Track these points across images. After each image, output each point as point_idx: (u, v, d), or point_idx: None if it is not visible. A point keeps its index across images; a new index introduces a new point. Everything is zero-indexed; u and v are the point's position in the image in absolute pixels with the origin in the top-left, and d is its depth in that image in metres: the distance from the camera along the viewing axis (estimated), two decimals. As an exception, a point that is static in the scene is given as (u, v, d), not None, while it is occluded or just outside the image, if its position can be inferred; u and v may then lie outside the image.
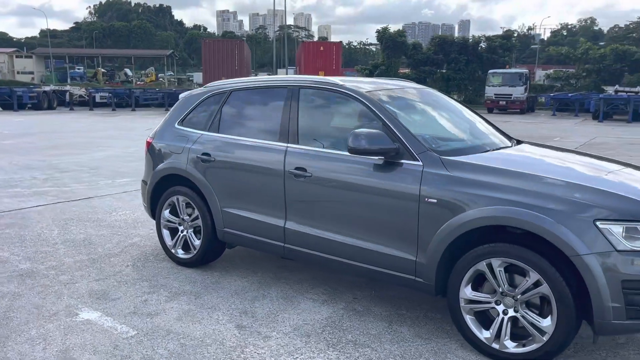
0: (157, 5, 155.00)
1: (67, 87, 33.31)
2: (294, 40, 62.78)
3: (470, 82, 37.88)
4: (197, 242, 4.75)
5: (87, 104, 30.81)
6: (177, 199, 4.83)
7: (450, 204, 3.32)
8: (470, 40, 39.30)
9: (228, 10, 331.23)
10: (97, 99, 31.21)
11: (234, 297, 4.22)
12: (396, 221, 3.56)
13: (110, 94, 31.28)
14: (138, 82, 58.29)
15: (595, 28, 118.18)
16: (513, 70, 32.90)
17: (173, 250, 4.95)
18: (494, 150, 3.94)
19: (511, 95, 30.91)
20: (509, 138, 4.43)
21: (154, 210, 5.10)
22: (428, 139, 3.75)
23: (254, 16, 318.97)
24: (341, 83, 4.07)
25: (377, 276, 3.73)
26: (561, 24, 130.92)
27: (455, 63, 37.86)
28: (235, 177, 4.41)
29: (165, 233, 5.01)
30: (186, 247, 4.88)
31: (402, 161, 3.58)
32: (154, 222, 6.21)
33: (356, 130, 3.62)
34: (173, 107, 5.21)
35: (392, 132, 3.65)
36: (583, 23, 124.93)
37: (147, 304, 4.07)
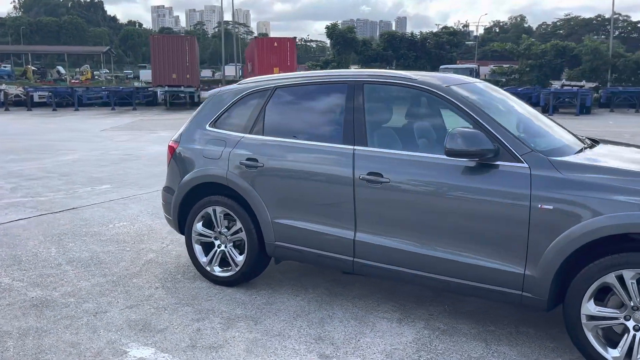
0: (88, 0, 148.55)
1: (3, 86, 31.02)
2: (235, 37, 61.74)
3: (420, 78, 38.10)
4: (240, 258, 4.22)
5: (24, 103, 28.80)
6: (214, 210, 4.28)
7: (569, 210, 2.99)
8: (419, 37, 39.72)
9: (163, 6, 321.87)
10: (36, 99, 29.21)
11: (297, 319, 3.74)
12: (499, 231, 3.20)
13: (50, 93, 29.36)
14: (72, 81, 55.37)
15: (525, 25, 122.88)
16: (464, 65, 33.51)
17: (208, 268, 4.40)
18: (584, 149, 3.65)
19: (462, 90, 31.30)
20: (579, 137, 4.16)
21: (182, 223, 4.52)
22: (525, 138, 3.41)
23: (190, 12, 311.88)
24: (414, 77, 3.66)
25: (471, 292, 3.36)
26: (493, 22, 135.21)
27: (405, 59, 38.18)
28: (291, 185, 3.92)
29: (198, 249, 4.44)
30: (224, 263, 4.34)
31: (499, 163, 3.22)
32: (163, 234, 5.66)
33: (453, 130, 3.23)
34: (200, 107, 4.65)
35: (488, 131, 3.28)
36: (514, 20, 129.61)
37: (202, 334, 3.53)
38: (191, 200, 4.42)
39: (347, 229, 3.70)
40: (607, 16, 72.51)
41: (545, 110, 26.78)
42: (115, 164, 10.21)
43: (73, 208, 6.90)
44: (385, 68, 38.79)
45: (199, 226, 4.40)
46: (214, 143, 4.31)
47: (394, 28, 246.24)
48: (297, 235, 3.92)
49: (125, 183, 8.55)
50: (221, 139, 4.30)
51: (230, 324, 3.67)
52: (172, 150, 4.61)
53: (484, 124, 3.32)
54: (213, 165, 4.25)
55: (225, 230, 4.29)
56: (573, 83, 30.14)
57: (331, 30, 38.46)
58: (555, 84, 30.63)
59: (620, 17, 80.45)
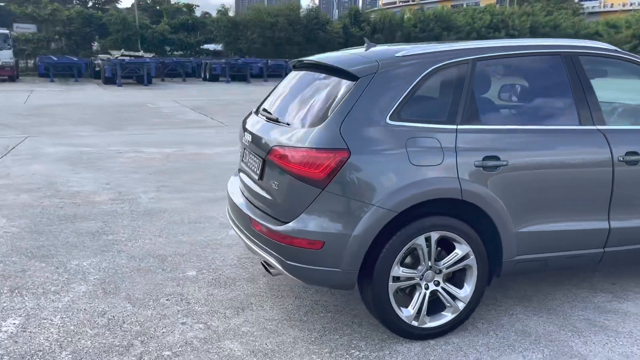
0: None
1: None
2: None
3: None
4: (463, 293, 3.14)
5: None
6: (427, 239, 2.99)
7: None
8: None
9: None
10: None
11: None
12: None
13: None
14: None
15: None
16: (-2, 30, 28.05)
17: (415, 322, 3.07)
18: None
19: (-3, 59, 26.48)
20: None
21: (365, 272, 2.93)
22: None
23: None
24: (617, 49, 3.58)
25: None
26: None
27: None
28: (541, 181, 3.18)
29: (394, 301, 3.01)
30: (432, 309, 3.13)
31: None
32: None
33: None
34: (354, 92, 2.98)
35: None
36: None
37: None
38: (386, 233, 2.91)
39: (600, 220, 3.36)
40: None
41: (110, 82, 25.91)
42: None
43: None
44: None
45: (399, 270, 2.98)
46: (417, 143, 2.95)
47: None
48: (545, 240, 3.25)
49: None
50: (425, 136, 2.97)
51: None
52: (336, 163, 2.83)
53: None
54: (433, 174, 2.93)
55: (442, 262, 3.08)
56: (132, 53, 30.03)
57: None
58: (116, 54, 29.74)
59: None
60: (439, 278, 3.10)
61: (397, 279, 3.00)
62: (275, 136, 3.17)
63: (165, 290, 3.76)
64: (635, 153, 3.35)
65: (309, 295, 3.71)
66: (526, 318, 3.38)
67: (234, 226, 3.64)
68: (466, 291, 3.14)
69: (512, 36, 44.23)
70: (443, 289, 3.11)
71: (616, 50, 3.59)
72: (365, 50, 3.50)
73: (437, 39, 43.64)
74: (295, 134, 3.03)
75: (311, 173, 2.88)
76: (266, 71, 31.04)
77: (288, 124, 3.18)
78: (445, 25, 43.98)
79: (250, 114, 3.89)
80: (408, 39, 43.14)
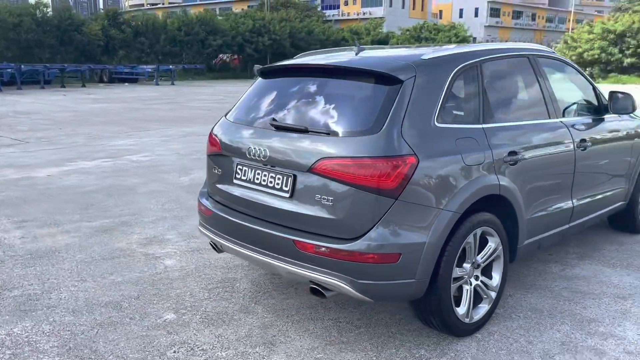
0: None
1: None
2: None
3: None
4: (494, 282, 3.32)
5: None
6: (474, 236, 3.10)
7: None
8: None
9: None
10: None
11: None
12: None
13: None
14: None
15: None
16: None
17: (467, 320, 3.15)
18: None
19: None
20: None
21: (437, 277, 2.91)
22: None
23: None
24: (554, 52, 4.16)
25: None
26: None
27: None
28: (543, 171, 3.59)
29: (453, 301, 3.05)
30: (473, 303, 3.25)
31: None
32: None
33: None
34: (410, 98, 2.87)
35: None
36: None
37: None
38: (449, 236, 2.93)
39: (568, 199, 3.87)
40: None
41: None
42: None
43: None
44: None
45: (455, 269, 3.02)
46: (464, 144, 3.02)
47: None
48: (539, 224, 3.63)
49: None
50: (467, 136, 3.06)
51: None
52: (404, 169, 2.71)
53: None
54: (481, 173, 3.04)
55: (480, 257, 3.20)
56: None
57: None
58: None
59: None
60: (477, 272, 3.22)
61: (454, 279, 3.03)
62: (317, 147, 2.88)
63: (161, 342, 3.13)
64: (584, 140, 3.95)
65: (324, 313, 3.48)
66: (526, 298, 3.72)
67: (241, 249, 3.21)
68: (496, 280, 3.32)
69: (275, 40, 46.60)
70: (481, 281, 3.24)
71: (553, 52, 4.16)
72: (357, 54, 3.41)
73: (203, 42, 43.58)
74: (349, 144, 2.81)
75: (382, 183, 2.72)
76: (19, 78, 26.99)
77: (327, 134, 2.92)
78: (210, 28, 44.10)
79: (227, 126, 3.47)
80: (174, 41, 42.15)
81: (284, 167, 3.02)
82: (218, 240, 3.39)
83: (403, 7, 72.27)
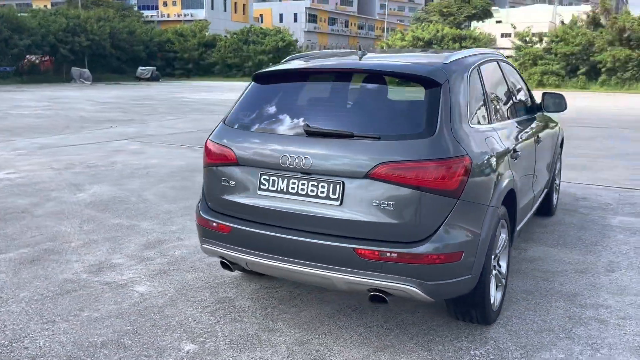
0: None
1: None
2: None
3: None
4: (504, 269, 3.59)
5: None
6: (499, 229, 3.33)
7: None
8: None
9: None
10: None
11: (546, 281, 4.10)
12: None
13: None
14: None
15: None
16: None
17: (494, 308, 3.37)
18: None
19: None
20: None
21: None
22: None
23: None
24: (502, 54, 4.57)
25: None
26: None
27: None
28: (525, 161, 3.93)
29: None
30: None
31: None
32: None
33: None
34: (450, 100, 2.97)
35: None
36: None
37: None
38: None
39: (531, 189, 4.31)
40: None
41: None
42: None
43: None
44: None
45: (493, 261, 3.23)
46: (491, 143, 3.22)
47: None
48: (523, 212, 4.00)
49: None
50: (490, 136, 3.27)
51: None
52: (462, 169, 2.81)
53: None
54: (507, 169, 3.30)
55: (499, 246, 3.44)
56: None
57: None
58: None
59: None
60: (494, 262, 3.45)
61: (491, 271, 3.21)
62: (372, 153, 2.83)
63: (205, 377, 2.81)
64: (538, 136, 4.43)
65: (348, 321, 3.42)
66: (511, 282, 4.04)
67: (279, 264, 3.02)
68: (504, 268, 3.59)
69: (93, 41, 43.17)
70: (498, 270, 3.47)
71: (502, 54, 4.58)
72: (360, 58, 3.40)
73: (7, 42, 38.70)
74: (407, 147, 2.81)
75: (445, 184, 2.78)
76: None
77: (378, 138, 2.89)
78: (13, 26, 39.36)
79: (237, 134, 3.23)
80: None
81: (330, 175, 2.91)
82: (243, 257, 3.14)
83: (225, 10, 72.07)
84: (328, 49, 79.62)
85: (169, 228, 5.25)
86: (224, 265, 3.33)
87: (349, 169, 2.86)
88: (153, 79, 45.00)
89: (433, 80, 3.01)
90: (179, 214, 5.74)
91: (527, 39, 39.15)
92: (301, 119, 3.13)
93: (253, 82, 3.48)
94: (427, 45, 40.69)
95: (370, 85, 3.21)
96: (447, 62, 3.25)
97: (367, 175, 2.82)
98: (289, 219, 3.02)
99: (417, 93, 3.03)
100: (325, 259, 2.90)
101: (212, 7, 70.15)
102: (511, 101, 4.13)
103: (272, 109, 3.30)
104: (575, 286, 3.97)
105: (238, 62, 50.46)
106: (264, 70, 3.50)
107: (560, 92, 4.96)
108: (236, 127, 3.31)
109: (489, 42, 47.16)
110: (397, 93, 3.11)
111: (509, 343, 3.17)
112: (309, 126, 3.04)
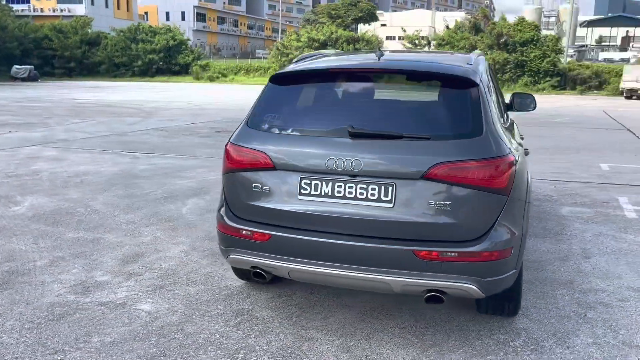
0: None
1: None
2: None
3: None
4: (515, 262, 3.75)
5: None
6: (521, 223, 3.48)
7: None
8: None
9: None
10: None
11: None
12: None
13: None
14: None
15: None
16: None
17: (519, 299, 3.51)
18: None
19: None
20: None
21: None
22: None
23: None
24: None
25: None
26: None
27: None
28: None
29: (519, 285, 3.37)
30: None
31: None
32: None
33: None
34: (488, 100, 3.05)
35: None
36: None
37: None
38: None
39: None
40: None
41: None
42: None
43: None
44: None
45: (521, 254, 3.36)
46: (513, 140, 3.35)
47: None
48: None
49: None
50: (510, 137, 3.39)
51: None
52: (509, 168, 2.88)
53: None
54: (526, 167, 3.42)
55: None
56: None
57: None
58: None
59: None
60: (517, 255, 3.59)
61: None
62: (426, 153, 2.81)
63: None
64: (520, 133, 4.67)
65: (379, 324, 3.38)
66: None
67: (330, 271, 2.91)
68: (515, 260, 3.74)
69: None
70: (518, 263, 3.62)
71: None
72: (379, 59, 3.38)
73: None
74: (460, 147, 2.83)
75: (497, 183, 2.84)
76: None
77: (428, 138, 2.88)
78: None
79: (268, 137, 3.08)
80: None
81: (381, 177, 2.86)
82: (284, 265, 2.98)
83: (107, 6, 68.05)
84: (218, 48, 78.31)
85: (140, 240, 4.86)
86: (256, 275, 3.15)
87: (403, 170, 2.83)
88: (31, 78, 41.45)
89: (472, 80, 3.06)
90: (142, 223, 5.33)
91: (417, 41, 41.17)
92: (341, 121, 3.04)
93: (270, 84, 3.32)
94: (322, 46, 41.35)
95: (406, 86, 3.19)
96: (471, 63, 3.32)
97: (423, 176, 2.80)
98: (337, 224, 2.91)
99: (461, 93, 3.06)
100: (382, 263, 2.84)
101: (93, 3, 65.93)
102: (501, 100, 4.32)
103: (304, 111, 3.18)
104: (567, 274, 4.23)
105: (126, 61, 47.83)
106: (286, 70, 3.36)
107: (530, 93, 5.26)
108: (265, 129, 3.14)
109: (378, 44, 48.99)
110: (441, 94, 3.12)
111: (539, 332, 3.31)
112: (354, 127, 2.95)
